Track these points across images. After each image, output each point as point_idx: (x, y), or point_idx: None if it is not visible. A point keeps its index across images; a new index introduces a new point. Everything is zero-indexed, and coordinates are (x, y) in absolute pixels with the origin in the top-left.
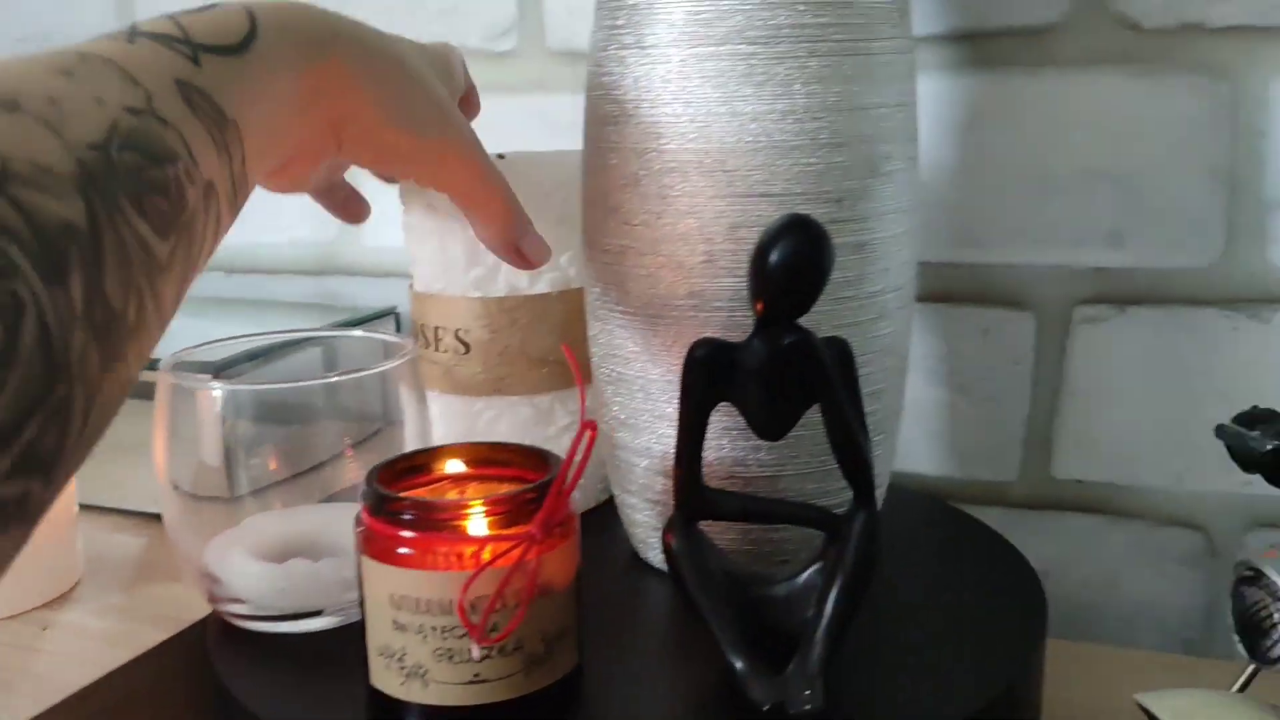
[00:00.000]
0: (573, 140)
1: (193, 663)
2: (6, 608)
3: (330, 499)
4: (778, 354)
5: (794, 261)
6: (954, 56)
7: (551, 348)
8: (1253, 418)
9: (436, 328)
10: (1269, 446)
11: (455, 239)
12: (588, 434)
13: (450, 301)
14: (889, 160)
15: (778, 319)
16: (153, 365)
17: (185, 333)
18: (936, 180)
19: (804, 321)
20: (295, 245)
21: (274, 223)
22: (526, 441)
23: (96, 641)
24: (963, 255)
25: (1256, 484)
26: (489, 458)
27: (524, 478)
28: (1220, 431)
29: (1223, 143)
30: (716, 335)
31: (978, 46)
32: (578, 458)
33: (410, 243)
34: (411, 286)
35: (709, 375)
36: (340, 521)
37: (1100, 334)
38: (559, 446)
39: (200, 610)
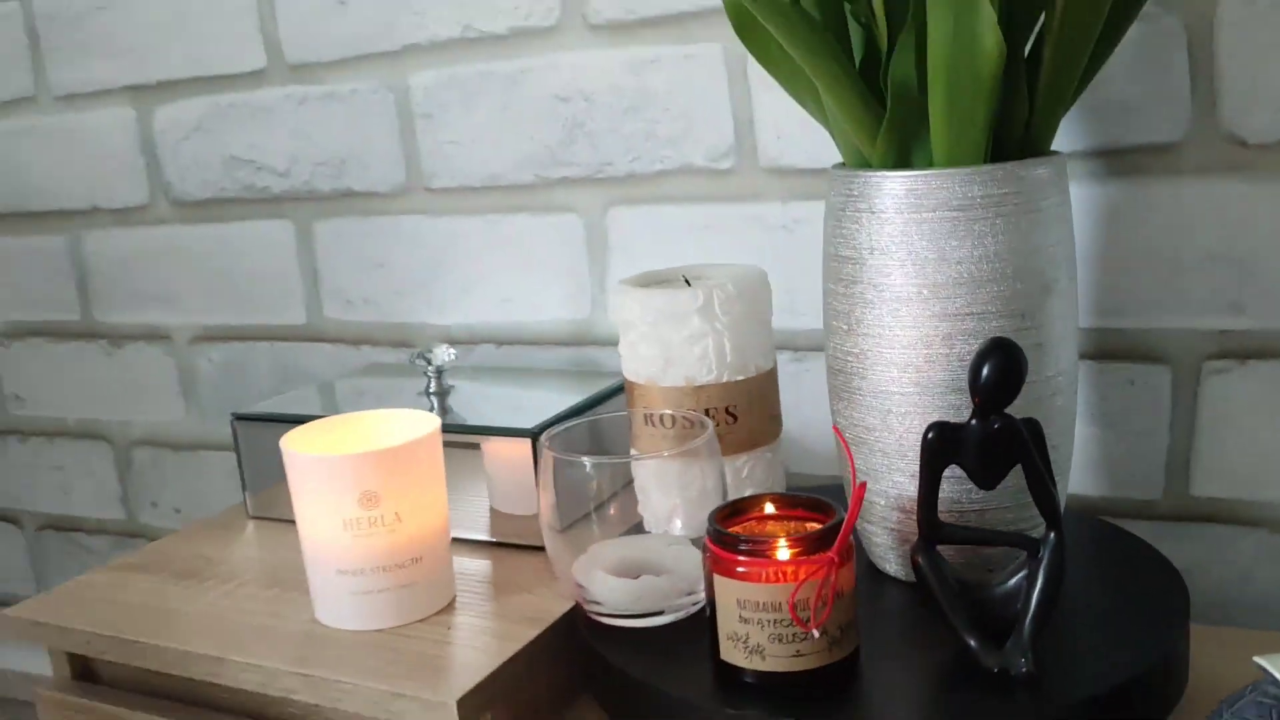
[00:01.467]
0: (780, 237)
1: (569, 645)
2: (415, 614)
3: (636, 528)
4: (990, 435)
5: (1000, 374)
6: (1099, 168)
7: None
8: None
9: (707, 409)
10: None
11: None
12: (862, 490)
13: (711, 387)
14: (1056, 283)
15: (989, 411)
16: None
17: (465, 387)
18: (1090, 264)
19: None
20: (555, 322)
21: (538, 303)
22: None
23: (487, 636)
24: (1112, 322)
25: None
26: (788, 501)
27: (814, 519)
28: None
29: None
30: (935, 415)
31: (1117, 159)
32: (855, 506)
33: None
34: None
35: (941, 449)
36: (662, 548)
37: (1225, 381)
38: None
39: (554, 613)
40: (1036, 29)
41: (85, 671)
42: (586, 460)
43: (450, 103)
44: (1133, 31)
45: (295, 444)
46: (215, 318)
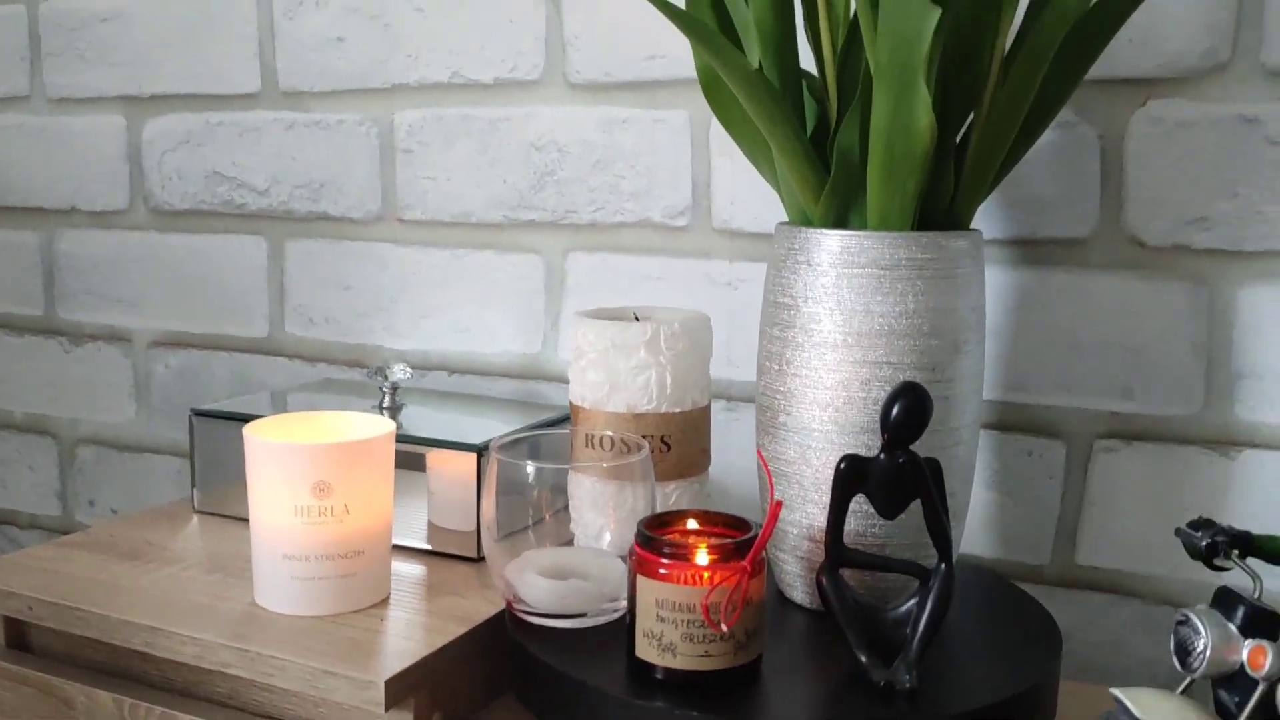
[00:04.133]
0: (724, 292)
1: (496, 645)
2: (351, 604)
3: (568, 543)
4: (895, 468)
5: (908, 414)
6: (1014, 255)
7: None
8: (1199, 524)
9: (644, 436)
10: (1204, 544)
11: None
12: (778, 508)
13: (650, 416)
14: (965, 344)
15: (896, 446)
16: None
17: (416, 408)
18: (1000, 341)
19: (912, 446)
20: (507, 354)
21: (492, 336)
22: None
23: (418, 629)
24: (1016, 396)
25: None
26: (710, 518)
27: (731, 534)
28: (1177, 532)
29: (1202, 328)
30: (851, 451)
31: (1031, 248)
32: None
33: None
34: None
35: (851, 478)
36: (590, 559)
37: (1114, 459)
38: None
39: (484, 614)
40: (968, 122)
41: (18, 640)
42: (530, 465)
43: (431, 141)
44: (1053, 136)
45: (257, 431)
46: (177, 324)
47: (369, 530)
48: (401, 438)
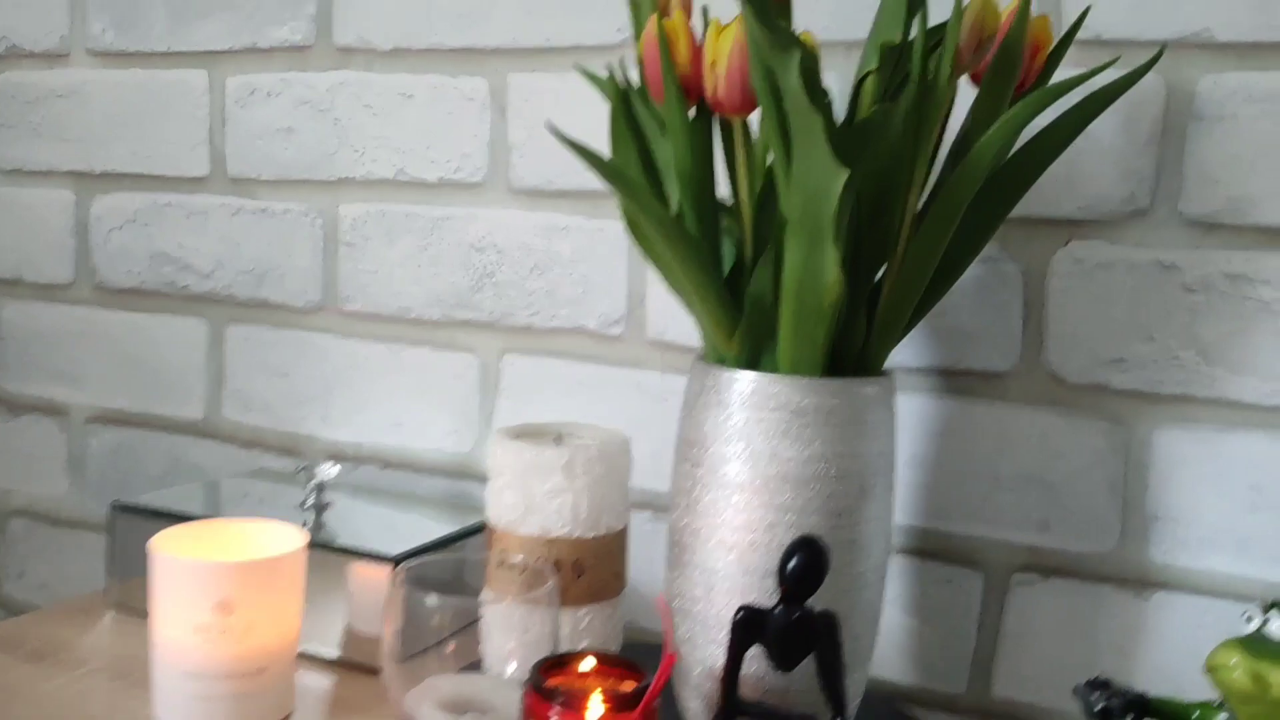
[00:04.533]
0: (655, 404)
1: None
2: None
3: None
4: (790, 623)
5: (803, 570)
6: (933, 384)
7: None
8: (1095, 684)
9: (556, 561)
10: (1098, 708)
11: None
12: (670, 661)
13: (563, 541)
14: (873, 488)
15: (792, 600)
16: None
17: (345, 503)
18: (920, 468)
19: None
20: (439, 452)
21: (425, 432)
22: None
23: None
24: (935, 524)
25: None
26: (607, 662)
27: (629, 678)
28: (1075, 691)
29: (1118, 468)
30: (754, 596)
31: (950, 379)
32: (661, 676)
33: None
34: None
35: (746, 631)
36: (492, 689)
37: (1030, 593)
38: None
39: None
40: (883, 269)
41: None
42: (432, 598)
43: (374, 235)
44: (977, 270)
45: (163, 545)
46: (114, 401)
47: (272, 648)
48: (317, 544)
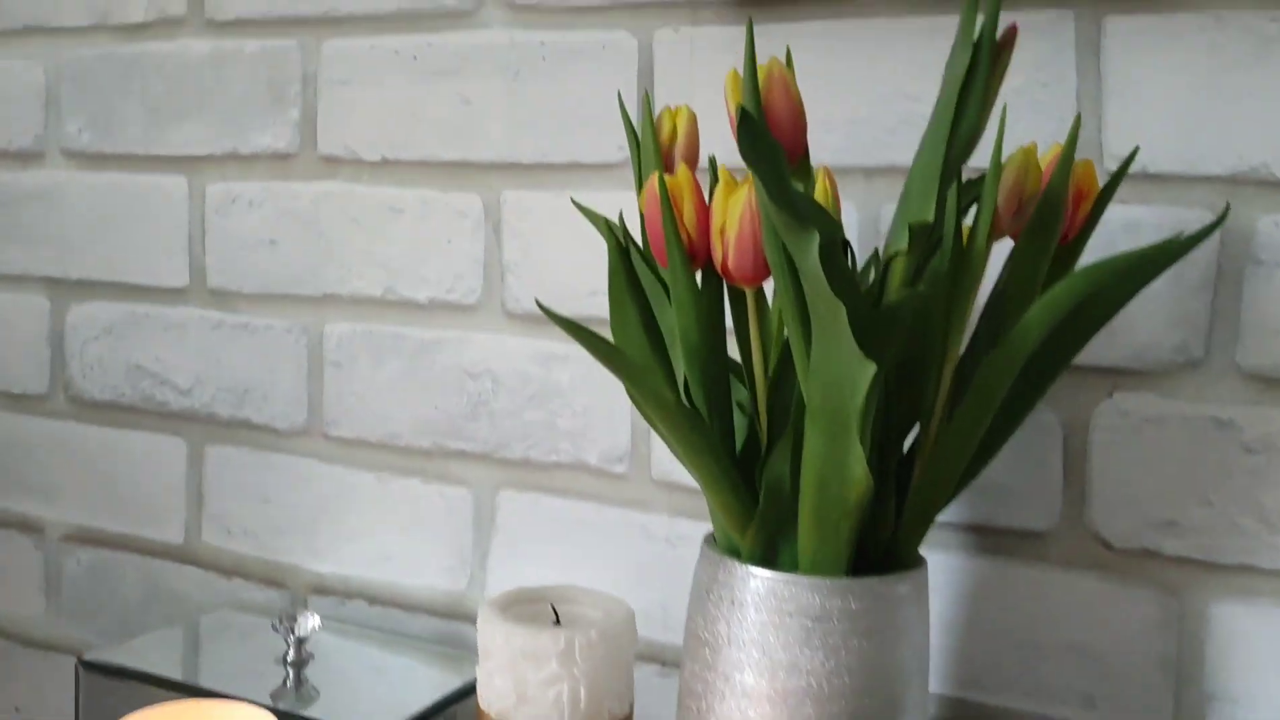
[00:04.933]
0: (661, 549)
1: None
2: None
3: None
4: None
5: None
6: (967, 541)
7: None
8: None
9: None
10: None
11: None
12: None
13: None
14: (904, 698)
15: None
16: None
17: (329, 647)
18: (953, 632)
19: None
20: (431, 590)
21: (416, 568)
22: None
23: None
24: (969, 693)
25: None
26: None
27: None
28: None
29: (1171, 642)
30: None
31: (988, 537)
32: None
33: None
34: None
35: None
36: None
37: None
38: None
39: None
40: (912, 436)
41: None
42: None
43: (360, 356)
44: None
45: None
46: (91, 520)
47: None
48: (292, 718)
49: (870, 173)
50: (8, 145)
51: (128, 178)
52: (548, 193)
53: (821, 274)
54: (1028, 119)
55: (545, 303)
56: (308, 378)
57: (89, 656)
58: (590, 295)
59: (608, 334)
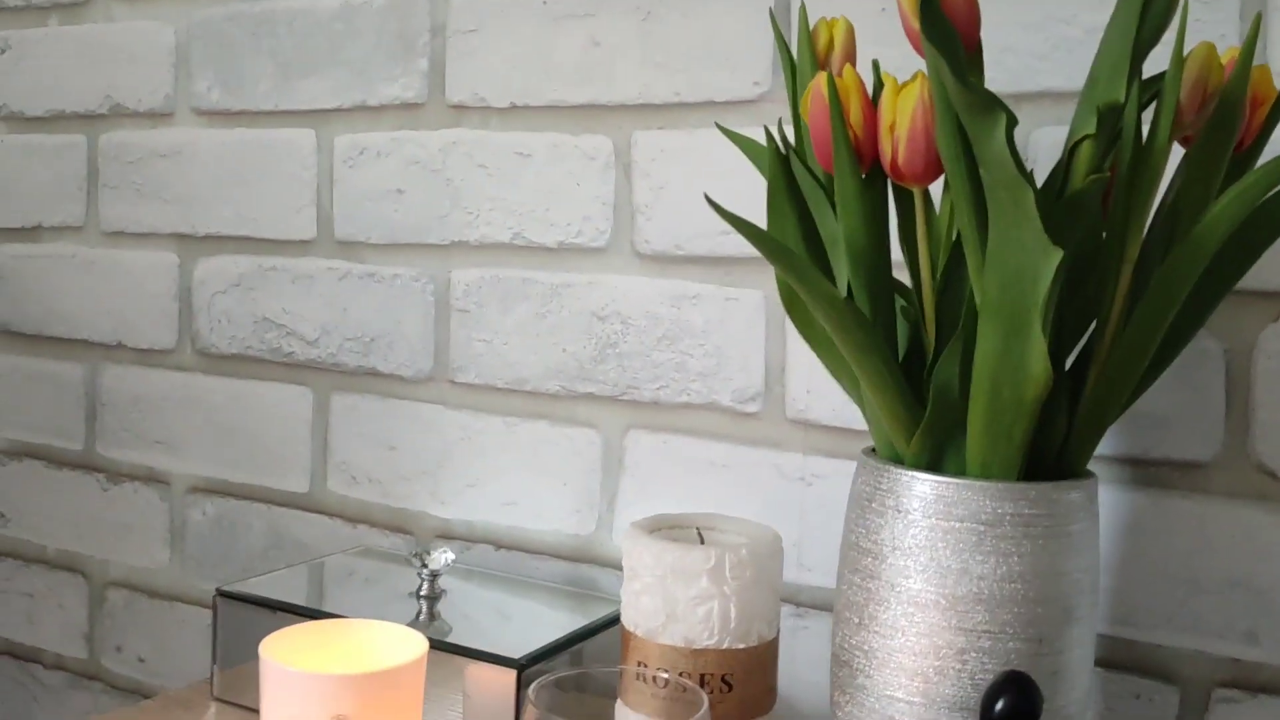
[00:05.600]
0: (796, 489)
1: None
2: None
3: None
4: None
5: (1012, 713)
6: (1125, 475)
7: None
8: None
9: (703, 675)
10: None
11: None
12: None
13: (710, 652)
14: (1077, 609)
15: None
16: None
17: (457, 589)
18: (1107, 570)
19: None
20: (557, 534)
21: (542, 512)
22: None
23: None
24: (1123, 631)
25: None
26: None
27: None
28: None
29: None
30: None
31: (1145, 469)
32: None
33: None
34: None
35: None
36: None
37: (1234, 712)
38: None
39: None
40: (1082, 342)
41: None
42: None
43: (488, 301)
44: None
45: (275, 652)
46: (216, 471)
47: None
48: (437, 644)
49: (1019, 98)
50: (138, 105)
51: (256, 133)
52: (679, 132)
53: (1009, 156)
54: (1191, 29)
55: (677, 242)
56: (434, 325)
57: (226, 587)
58: (723, 234)
59: (741, 276)
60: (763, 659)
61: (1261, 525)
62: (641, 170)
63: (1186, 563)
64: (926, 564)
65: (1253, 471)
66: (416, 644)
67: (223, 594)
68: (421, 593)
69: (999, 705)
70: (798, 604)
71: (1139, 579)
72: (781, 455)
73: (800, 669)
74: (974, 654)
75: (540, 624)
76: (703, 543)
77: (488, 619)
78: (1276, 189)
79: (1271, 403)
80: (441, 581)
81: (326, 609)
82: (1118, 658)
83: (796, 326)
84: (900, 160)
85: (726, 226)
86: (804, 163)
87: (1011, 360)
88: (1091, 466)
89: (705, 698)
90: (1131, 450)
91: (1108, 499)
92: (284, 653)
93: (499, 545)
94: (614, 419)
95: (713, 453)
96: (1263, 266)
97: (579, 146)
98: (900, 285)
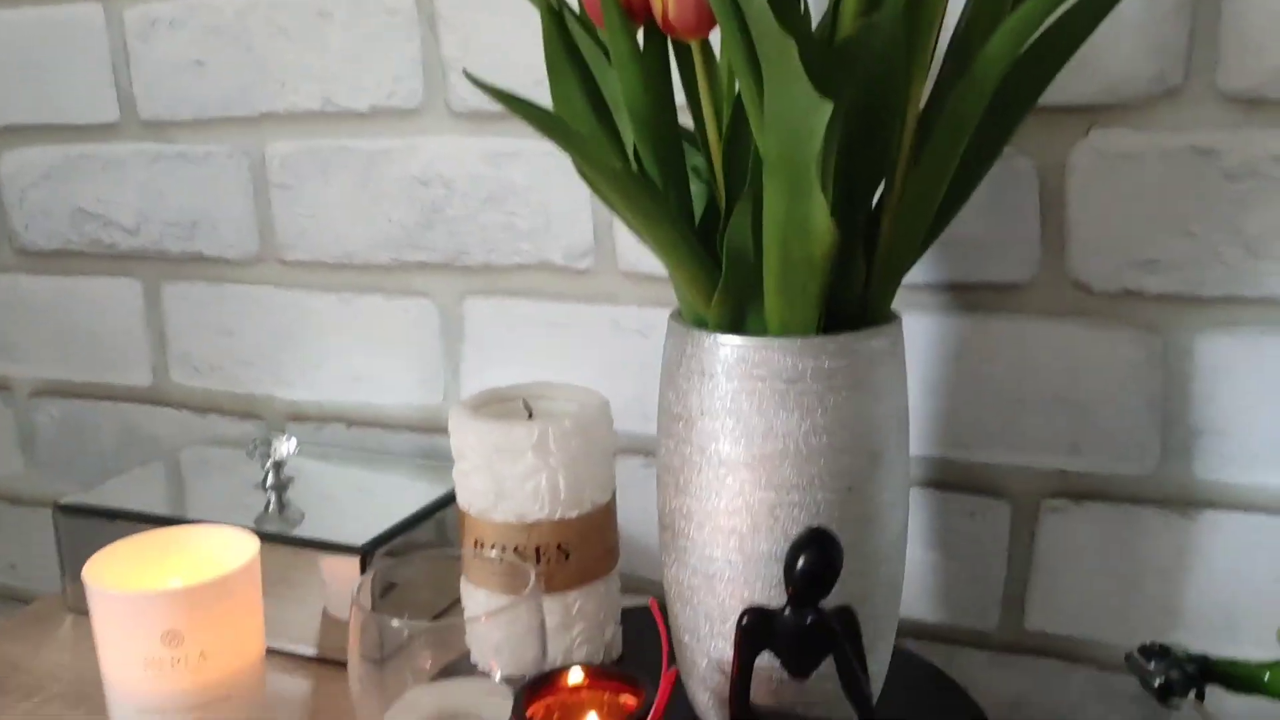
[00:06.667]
0: (634, 341)
1: None
2: None
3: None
4: (803, 628)
5: (815, 569)
6: (945, 301)
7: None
8: (1150, 651)
9: (538, 546)
10: (1158, 682)
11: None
12: (672, 678)
13: (543, 524)
14: (884, 453)
15: (803, 602)
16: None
17: (310, 471)
18: (936, 394)
19: None
20: (406, 406)
21: (389, 386)
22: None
23: None
24: (955, 453)
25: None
26: (601, 675)
27: (626, 691)
28: (1128, 659)
29: (1157, 382)
30: (759, 585)
31: (965, 294)
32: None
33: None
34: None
35: (754, 636)
36: (481, 695)
37: (1062, 520)
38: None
39: None
40: (878, 193)
41: None
42: (402, 626)
43: (307, 175)
44: None
45: (97, 575)
46: (57, 373)
47: (233, 673)
48: (277, 539)
49: None
50: None
51: (41, 12)
52: None
53: (767, 8)
54: None
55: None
56: (254, 202)
57: (65, 500)
58: (536, 84)
59: None
60: (598, 523)
61: (1080, 340)
62: (447, 23)
63: (1010, 381)
64: (733, 426)
65: (1069, 288)
66: (248, 547)
67: (61, 508)
68: (268, 484)
69: (799, 563)
70: (646, 454)
71: (967, 401)
72: (618, 309)
73: (652, 510)
74: (784, 508)
75: (396, 498)
76: (530, 416)
77: (342, 500)
78: (1060, 11)
79: (1086, 219)
80: (295, 465)
81: (176, 511)
82: (951, 479)
83: (596, 193)
84: (670, 14)
85: (541, 76)
86: (581, 22)
87: (796, 219)
88: (916, 297)
89: (533, 573)
90: (953, 276)
91: (934, 326)
92: (112, 572)
93: (350, 422)
94: (448, 286)
95: (550, 313)
96: (1071, 79)
97: (379, 2)
98: (693, 143)
